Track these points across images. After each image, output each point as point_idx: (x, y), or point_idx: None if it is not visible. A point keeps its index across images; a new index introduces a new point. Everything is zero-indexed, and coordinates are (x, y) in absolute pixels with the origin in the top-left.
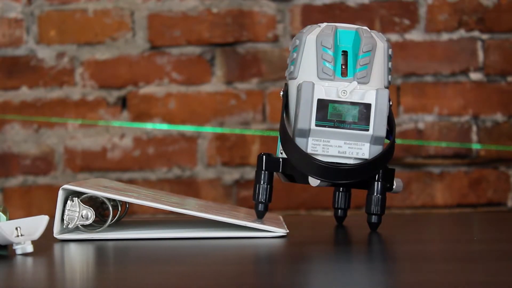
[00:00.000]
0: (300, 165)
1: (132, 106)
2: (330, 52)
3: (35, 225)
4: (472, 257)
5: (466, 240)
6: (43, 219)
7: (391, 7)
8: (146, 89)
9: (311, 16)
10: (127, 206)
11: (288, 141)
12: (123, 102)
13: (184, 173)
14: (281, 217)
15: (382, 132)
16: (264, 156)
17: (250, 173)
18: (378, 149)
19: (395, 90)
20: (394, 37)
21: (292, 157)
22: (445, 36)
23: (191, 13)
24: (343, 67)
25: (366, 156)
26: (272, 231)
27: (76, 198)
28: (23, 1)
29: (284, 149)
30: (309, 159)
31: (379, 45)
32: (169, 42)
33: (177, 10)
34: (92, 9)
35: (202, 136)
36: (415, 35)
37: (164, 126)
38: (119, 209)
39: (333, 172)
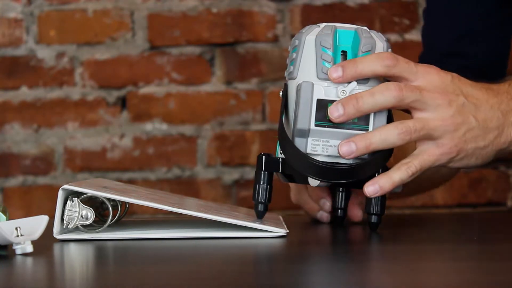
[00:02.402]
0: (298, 165)
1: (132, 106)
2: (330, 52)
3: (35, 225)
4: (472, 257)
5: (466, 240)
6: (43, 219)
7: (391, 7)
8: (146, 89)
9: (311, 16)
10: (127, 206)
11: (286, 141)
12: (122, 102)
13: (183, 173)
14: (281, 217)
15: None
16: (263, 156)
17: (250, 173)
18: None
19: None
20: (394, 37)
21: (291, 157)
22: None
23: (191, 13)
24: None
25: (365, 156)
26: (272, 231)
27: (76, 198)
28: (23, 1)
29: (282, 149)
30: (307, 159)
31: (379, 45)
32: (169, 42)
33: (176, 10)
34: (91, 9)
35: (202, 136)
36: (415, 35)
37: (163, 126)
38: (119, 209)
39: (332, 172)
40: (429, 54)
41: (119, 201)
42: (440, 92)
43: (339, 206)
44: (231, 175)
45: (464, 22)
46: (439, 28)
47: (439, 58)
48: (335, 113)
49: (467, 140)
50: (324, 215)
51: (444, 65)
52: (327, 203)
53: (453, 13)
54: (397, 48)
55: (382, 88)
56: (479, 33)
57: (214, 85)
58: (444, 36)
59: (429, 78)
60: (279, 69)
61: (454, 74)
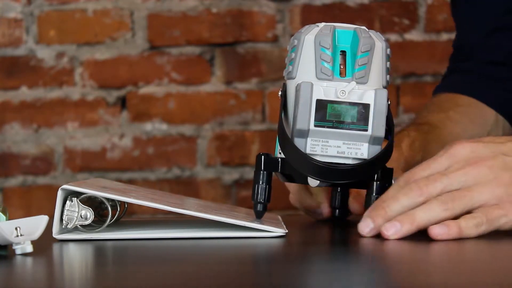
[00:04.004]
0: (298, 165)
1: (131, 106)
2: (329, 52)
3: (35, 225)
4: (473, 257)
5: (466, 240)
6: (43, 219)
7: (391, 7)
8: (146, 89)
9: (310, 16)
10: (126, 206)
11: (286, 141)
12: (122, 102)
13: (183, 173)
14: (279, 217)
15: (381, 132)
16: (262, 156)
17: (250, 173)
18: (376, 149)
19: (394, 90)
20: (394, 37)
21: (290, 157)
22: (444, 36)
23: (190, 13)
24: (342, 67)
25: (365, 156)
26: (271, 231)
27: (75, 198)
28: (23, 1)
29: (282, 149)
30: (307, 159)
31: (378, 45)
32: (168, 42)
33: (176, 10)
34: (91, 9)
35: (202, 136)
36: (415, 35)
37: (162, 127)
38: (118, 209)
39: (331, 172)
40: (459, 54)
41: (118, 201)
42: (471, 163)
43: (337, 206)
44: (231, 175)
45: (494, 17)
46: (469, 23)
47: (469, 54)
48: (366, 229)
49: None
50: (322, 214)
51: (474, 62)
52: (324, 209)
53: (483, 7)
54: (396, 48)
55: (406, 191)
56: (509, 27)
57: (214, 85)
58: (476, 30)
59: (457, 155)
60: (279, 69)
61: (486, 139)
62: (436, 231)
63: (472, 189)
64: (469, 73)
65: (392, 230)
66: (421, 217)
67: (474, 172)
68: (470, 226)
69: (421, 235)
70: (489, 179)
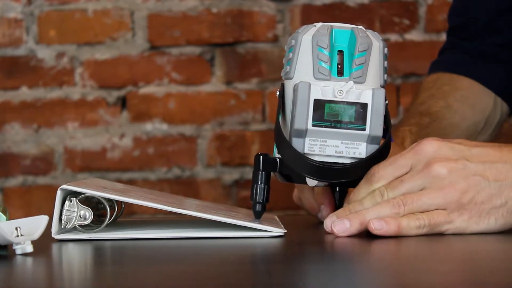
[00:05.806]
0: (295, 165)
1: (132, 106)
2: (326, 52)
3: (35, 225)
4: (472, 257)
5: (466, 240)
6: (43, 219)
7: (391, 7)
8: (146, 89)
9: (310, 16)
10: (123, 206)
11: (282, 141)
12: (123, 102)
13: (184, 173)
14: (276, 217)
15: (379, 131)
16: (261, 157)
17: (250, 173)
18: (374, 148)
19: (394, 90)
20: (394, 37)
21: (287, 157)
22: (444, 36)
23: (191, 13)
24: (339, 66)
25: (363, 155)
26: (270, 231)
27: (75, 199)
28: (23, 1)
29: (278, 149)
30: (303, 159)
31: (375, 44)
32: (169, 42)
33: (177, 10)
34: (92, 9)
35: (202, 136)
36: (415, 35)
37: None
38: (115, 209)
39: (328, 172)
40: (463, 32)
41: (115, 201)
42: (432, 162)
43: (336, 205)
44: (231, 175)
45: None
46: (480, 2)
47: (475, 34)
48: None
49: (478, 202)
50: (322, 218)
51: (479, 42)
52: (324, 212)
53: None
54: (397, 49)
55: (370, 197)
56: None
57: (214, 85)
58: (484, 10)
59: (422, 153)
60: (279, 69)
61: (455, 140)
62: (374, 226)
63: (424, 194)
64: (473, 53)
65: (340, 227)
66: (372, 218)
67: (432, 175)
68: (411, 226)
69: (420, 235)
70: (444, 184)
